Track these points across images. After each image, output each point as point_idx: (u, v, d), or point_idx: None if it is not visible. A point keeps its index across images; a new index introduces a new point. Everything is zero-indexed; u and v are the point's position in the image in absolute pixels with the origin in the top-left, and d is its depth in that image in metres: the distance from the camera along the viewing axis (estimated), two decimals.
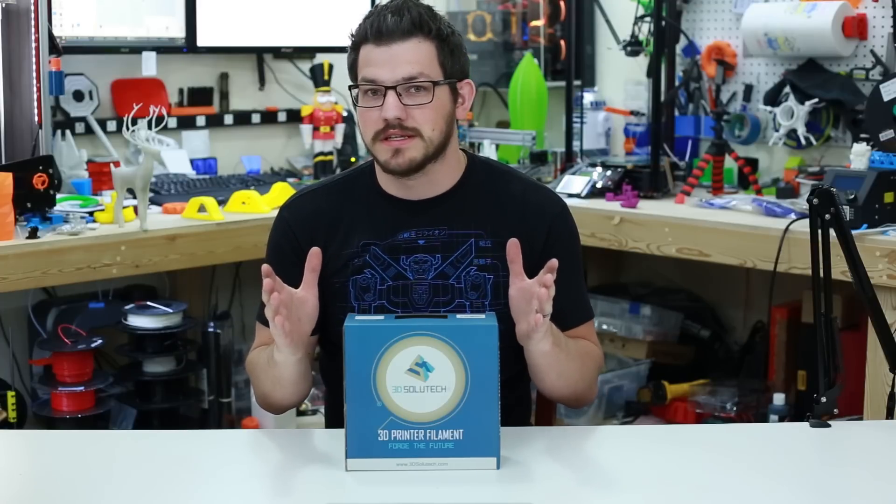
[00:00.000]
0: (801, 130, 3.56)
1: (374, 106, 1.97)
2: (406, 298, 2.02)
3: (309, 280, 1.88)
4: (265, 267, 1.80)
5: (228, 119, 3.99)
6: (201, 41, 3.75)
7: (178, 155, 3.72)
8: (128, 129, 2.98)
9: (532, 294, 1.82)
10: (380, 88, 1.96)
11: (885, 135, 3.07)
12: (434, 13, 2.01)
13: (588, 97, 4.17)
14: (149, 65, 3.65)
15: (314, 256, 1.87)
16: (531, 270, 2.03)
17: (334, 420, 2.11)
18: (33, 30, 3.15)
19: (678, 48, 3.92)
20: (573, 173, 3.68)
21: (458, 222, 2.04)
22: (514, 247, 1.85)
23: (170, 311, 3.31)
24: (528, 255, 2.02)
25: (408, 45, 1.96)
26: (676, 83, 3.91)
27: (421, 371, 1.72)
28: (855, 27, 3.50)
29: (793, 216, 3.10)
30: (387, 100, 1.95)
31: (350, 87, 2.02)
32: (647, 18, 3.76)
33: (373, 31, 1.96)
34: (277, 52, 4.05)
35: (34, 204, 2.98)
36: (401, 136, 1.96)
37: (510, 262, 1.85)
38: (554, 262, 1.80)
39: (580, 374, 2.02)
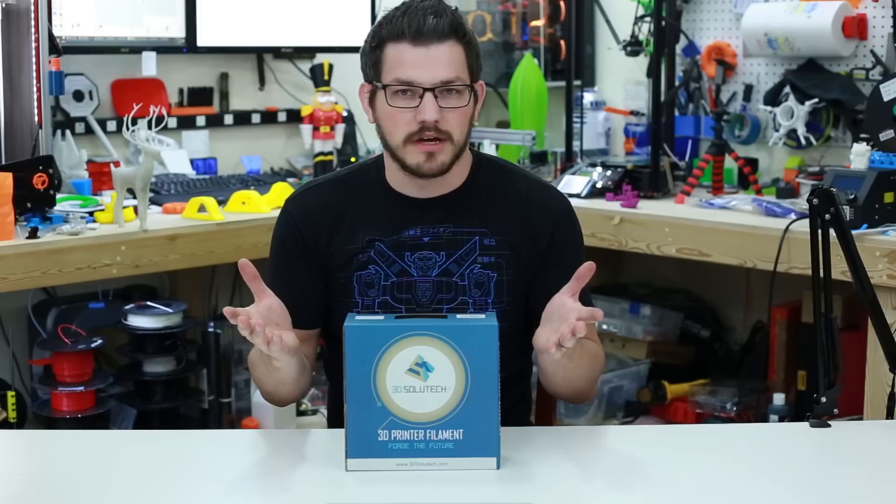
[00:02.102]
0: (801, 130, 3.56)
1: (408, 107, 1.94)
2: (410, 295, 2.03)
3: (257, 288, 1.87)
4: (227, 310, 1.79)
5: (228, 119, 3.99)
6: (201, 41, 3.75)
7: (178, 155, 3.72)
8: (128, 129, 2.98)
9: (565, 318, 1.78)
10: (416, 90, 1.93)
11: (885, 135, 3.07)
12: (461, 15, 1.99)
13: (588, 97, 4.17)
14: (149, 65, 3.64)
15: (246, 266, 1.84)
16: (535, 269, 2.05)
17: (337, 414, 2.12)
18: (33, 30, 3.15)
19: (678, 48, 3.92)
20: (573, 173, 3.68)
21: (464, 220, 2.04)
22: (587, 269, 1.81)
23: (170, 311, 3.31)
24: (533, 253, 2.05)
25: (444, 48, 1.93)
26: (676, 83, 3.91)
27: (421, 371, 1.72)
28: (855, 27, 3.50)
29: (793, 216, 3.10)
30: (425, 102, 1.92)
31: (382, 87, 1.96)
32: (647, 18, 3.76)
33: (412, 30, 1.92)
34: (277, 52, 4.05)
35: (34, 204, 2.98)
36: (434, 140, 1.94)
37: (576, 279, 1.82)
38: (585, 314, 1.76)
39: (586, 377, 2.02)
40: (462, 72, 1.95)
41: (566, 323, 1.75)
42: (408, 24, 1.93)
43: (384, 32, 1.96)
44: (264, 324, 1.81)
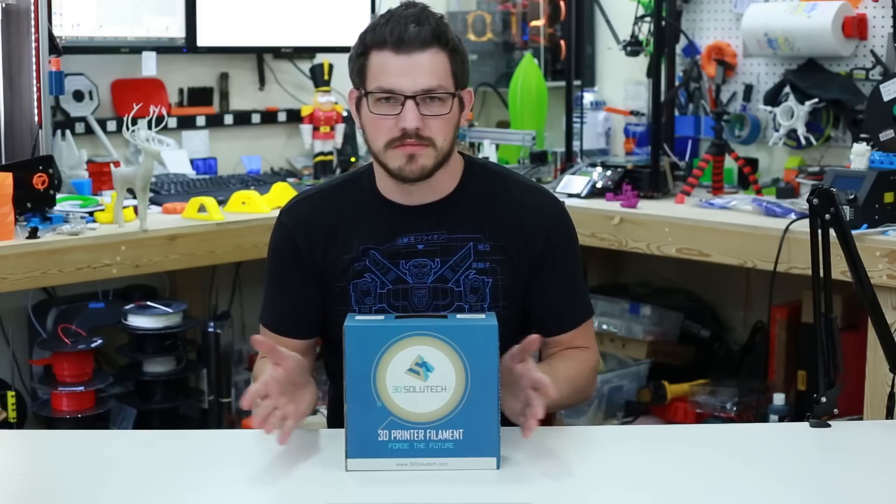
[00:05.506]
0: (801, 130, 3.56)
1: (390, 114, 1.95)
2: (406, 302, 2.03)
3: (277, 356, 1.84)
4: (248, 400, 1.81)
5: (228, 119, 3.99)
6: (201, 41, 3.75)
7: (178, 155, 3.72)
8: (128, 129, 2.98)
9: (525, 387, 1.78)
10: (398, 97, 1.94)
11: (885, 135, 3.07)
12: (446, 23, 2.00)
13: (588, 97, 4.17)
14: (149, 65, 3.65)
15: (260, 343, 1.85)
16: (530, 273, 2.06)
17: (337, 414, 2.13)
18: (33, 30, 3.15)
19: (678, 48, 3.92)
20: (573, 173, 3.68)
21: (457, 226, 2.04)
22: (535, 342, 1.81)
23: (170, 311, 3.31)
24: (528, 258, 2.06)
25: (427, 56, 1.94)
26: (676, 83, 3.91)
27: (421, 371, 1.72)
28: (855, 27, 3.50)
29: (793, 216, 3.10)
30: (406, 109, 1.93)
31: (365, 93, 1.97)
32: (647, 18, 3.76)
33: (393, 38, 1.93)
34: (277, 52, 4.05)
35: (34, 204, 2.98)
36: (416, 144, 1.95)
37: (522, 349, 1.80)
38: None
39: (573, 397, 2.06)
40: (445, 80, 1.96)
41: (525, 413, 1.76)
42: (390, 32, 1.94)
43: (368, 40, 1.97)
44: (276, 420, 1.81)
